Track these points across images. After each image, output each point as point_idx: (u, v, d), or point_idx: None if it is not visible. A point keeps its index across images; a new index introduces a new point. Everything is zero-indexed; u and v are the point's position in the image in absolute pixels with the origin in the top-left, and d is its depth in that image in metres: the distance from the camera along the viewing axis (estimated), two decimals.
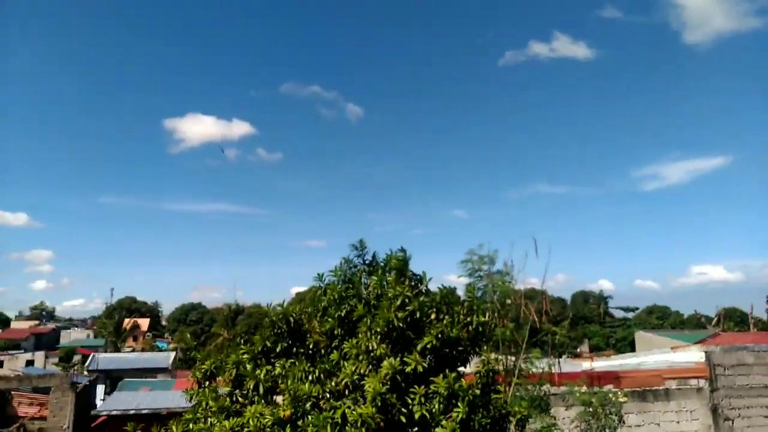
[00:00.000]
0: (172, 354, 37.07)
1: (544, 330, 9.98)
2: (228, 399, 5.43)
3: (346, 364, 5.07)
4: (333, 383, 5.03)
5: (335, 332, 5.64)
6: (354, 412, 4.45)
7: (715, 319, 54.78)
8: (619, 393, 11.78)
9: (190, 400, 5.64)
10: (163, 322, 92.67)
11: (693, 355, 18.48)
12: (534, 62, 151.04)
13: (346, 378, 4.91)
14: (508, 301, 10.37)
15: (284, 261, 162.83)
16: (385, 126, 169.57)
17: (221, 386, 5.67)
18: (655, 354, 21.38)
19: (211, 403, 5.28)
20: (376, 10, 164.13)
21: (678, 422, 15.49)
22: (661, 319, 60.39)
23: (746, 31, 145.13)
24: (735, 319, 54.81)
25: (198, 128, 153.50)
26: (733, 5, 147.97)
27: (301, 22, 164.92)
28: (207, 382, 5.80)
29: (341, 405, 4.63)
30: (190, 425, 5.17)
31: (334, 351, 5.39)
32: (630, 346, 44.94)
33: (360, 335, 5.20)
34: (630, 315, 64.64)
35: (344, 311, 5.59)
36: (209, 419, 5.14)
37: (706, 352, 17.64)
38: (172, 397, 18.76)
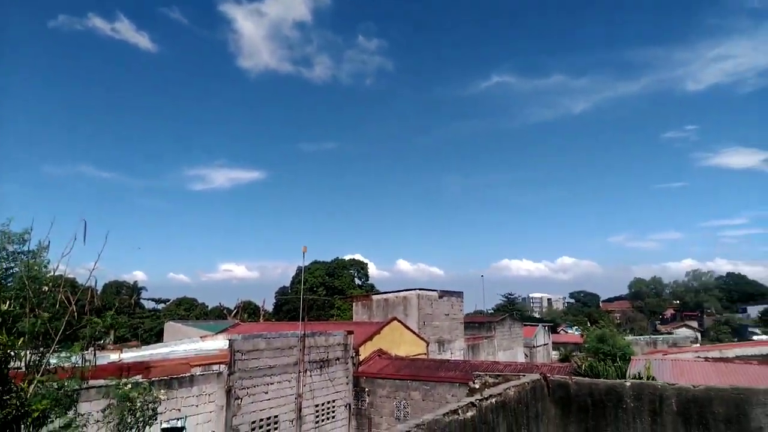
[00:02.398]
0: None
1: (85, 321, 8.80)
2: None
3: None
4: None
5: None
6: None
7: (235, 310, 62.35)
8: (146, 383, 11.62)
9: None
10: None
11: (219, 343, 20.28)
12: (91, 34, 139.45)
13: None
14: (45, 288, 8.67)
15: None
16: None
17: None
18: (185, 343, 22.33)
19: None
20: None
21: (197, 405, 16.56)
22: (189, 310, 64.12)
23: (284, 72, 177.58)
24: (249, 311, 63.90)
25: None
26: (277, 48, 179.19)
27: None
28: None
29: None
30: None
31: None
32: (157, 337, 45.55)
33: None
34: (161, 306, 65.91)
35: None
36: None
37: (230, 340, 19.69)
38: None
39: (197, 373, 17.21)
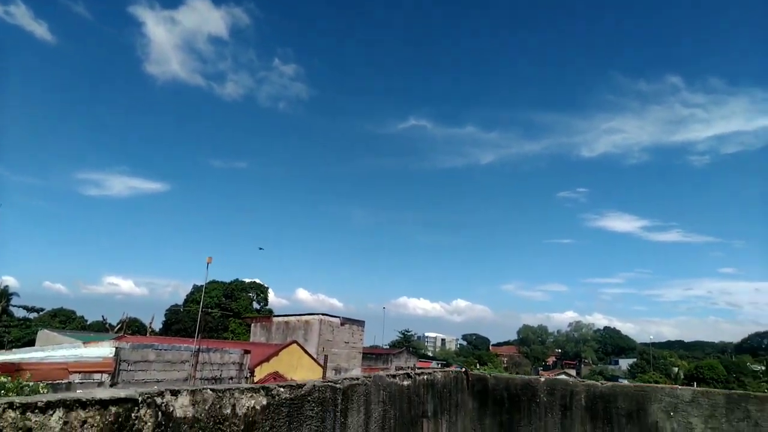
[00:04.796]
0: None
1: None
2: None
3: None
4: None
5: None
6: None
7: (118, 325, 57.27)
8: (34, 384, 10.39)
9: None
10: None
11: (103, 351, 18.51)
12: None
13: None
14: None
15: None
16: None
17: None
18: (64, 348, 20.10)
19: None
20: None
21: None
22: (65, 322, 58.01)
23: (194, 84, 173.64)
24: (134, 328, 58.96)
25: None
26: (188, 59, 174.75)
27: None
28: None
29: None
30: None
31: None
32: (28, 345, 40.62)
33: None
34: (33, 316, 58.94)
35: None
36: None
37: (116, 348, 18.05)
38: None
39: (76, 381, 15.53)
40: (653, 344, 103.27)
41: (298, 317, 36.16)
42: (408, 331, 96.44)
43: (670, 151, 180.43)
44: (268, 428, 2.49)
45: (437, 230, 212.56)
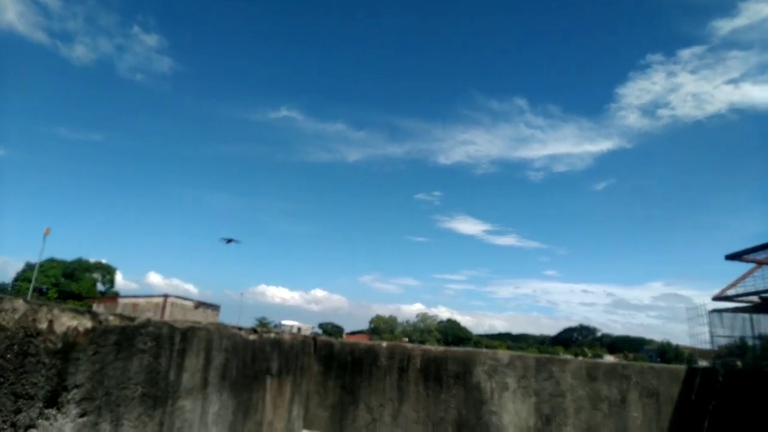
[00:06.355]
0: None
1: None
2: None
3: None
4: None
5: None
6: None
7: None
8: None
9: None
10: None
11: None
12: None
13: None
14: None
15: None
16: None
17: None
18: None
19: None
20: None
21: None
22: None
23: (36, 41, 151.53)
24: None
25: None
26: (27, 12, 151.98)
27: None
28: None
29: None
30: None
31: None
32: None
33: None
34: None
35: None
36: None
37: None
38: None
39: None
40: (487, 336, 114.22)
41: (147, 298, 33.50)
42: (264, 319, 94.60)
43: (512, 165, 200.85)
44: (92, 353, 2.33)
45: (301, 221, 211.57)
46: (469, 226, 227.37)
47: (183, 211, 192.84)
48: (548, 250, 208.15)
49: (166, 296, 33.48)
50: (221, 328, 3.86)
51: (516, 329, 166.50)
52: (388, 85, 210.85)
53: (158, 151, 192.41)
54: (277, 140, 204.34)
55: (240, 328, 4.35)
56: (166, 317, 32.18)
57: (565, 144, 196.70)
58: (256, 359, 4.59)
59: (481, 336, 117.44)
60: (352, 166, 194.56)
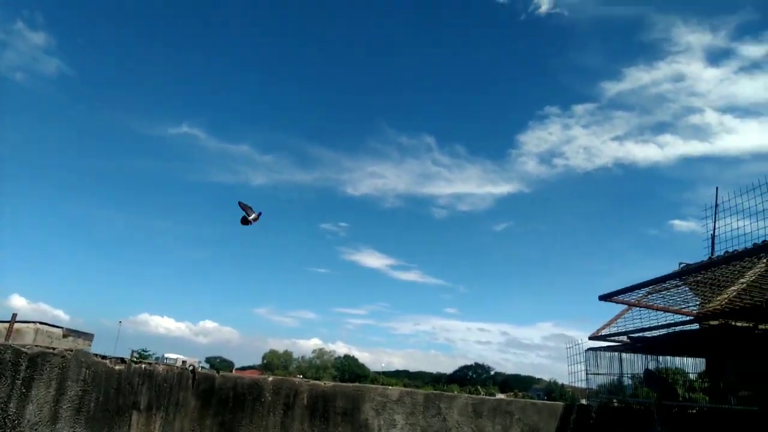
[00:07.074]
0: None
1: None
2: None
3: None
4: None
5: None
6: None
7: None
8: None
9: None
10: None
11: None
12: None
13: None
14: None
15: None
16: None
17: None
18: None
19: None
20: None
21: None
22: None
23: None
24: None
25: None
26: None
27: None
28: None
29: None
30: None
31: None
32: None
33: None
34: None
35: None
36: None
37: None
38: None
39: None
40: (383, 373, 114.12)
41: (4, 324, 29.50)
42: (145, 351, 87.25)
43: (418, 200, 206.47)
44: None
45: (194, 245, 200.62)
46: (373, 260, 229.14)
47: (61, 229, 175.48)
48: (450, 288, 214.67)
49: (14, 320, 29.84)
50: (80, 355, 3.49)
51: (413, 366, 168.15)
52: (300, 111, 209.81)
53: (36, 159, 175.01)
54: (176, 157, 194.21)
55: (105, 357, 3.96)
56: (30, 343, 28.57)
57: (470, 184, 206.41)
58: (121, 392, 4.19)
59: (378, 373, 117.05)
60: (257, 190, 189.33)
